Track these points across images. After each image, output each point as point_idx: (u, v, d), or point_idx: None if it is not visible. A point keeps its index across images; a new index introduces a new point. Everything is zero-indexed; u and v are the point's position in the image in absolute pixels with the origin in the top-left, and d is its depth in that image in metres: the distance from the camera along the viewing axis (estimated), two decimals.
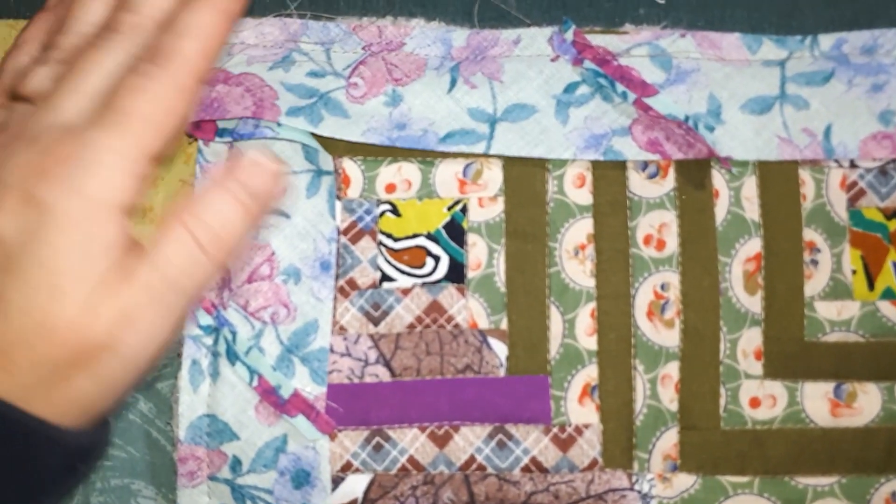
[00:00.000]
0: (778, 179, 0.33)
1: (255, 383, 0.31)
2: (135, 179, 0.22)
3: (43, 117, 0.23)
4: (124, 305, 0.22)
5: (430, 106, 0.34)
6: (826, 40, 0.34)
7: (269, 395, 0.31)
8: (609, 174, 0.34)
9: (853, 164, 0.33)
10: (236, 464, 0.31)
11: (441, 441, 0.32)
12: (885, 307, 0.32)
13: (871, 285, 0.33)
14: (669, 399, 0.32)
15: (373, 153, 0.34)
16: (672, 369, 0.32)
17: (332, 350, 0.32)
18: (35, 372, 0.22)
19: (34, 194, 0.21)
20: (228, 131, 0.33)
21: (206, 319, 0.32)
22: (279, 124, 0.33)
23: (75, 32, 0.24)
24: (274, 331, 0.32)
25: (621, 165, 0.34)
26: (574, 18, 0.35)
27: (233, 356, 0.32)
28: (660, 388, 0.32)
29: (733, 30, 0.35)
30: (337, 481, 0.31)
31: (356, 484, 0.31)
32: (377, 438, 0.32)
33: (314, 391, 0.32)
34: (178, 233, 0.23)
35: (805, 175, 0.33)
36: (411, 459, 0.32)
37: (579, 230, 0.33)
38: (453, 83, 0.34)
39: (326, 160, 0.33)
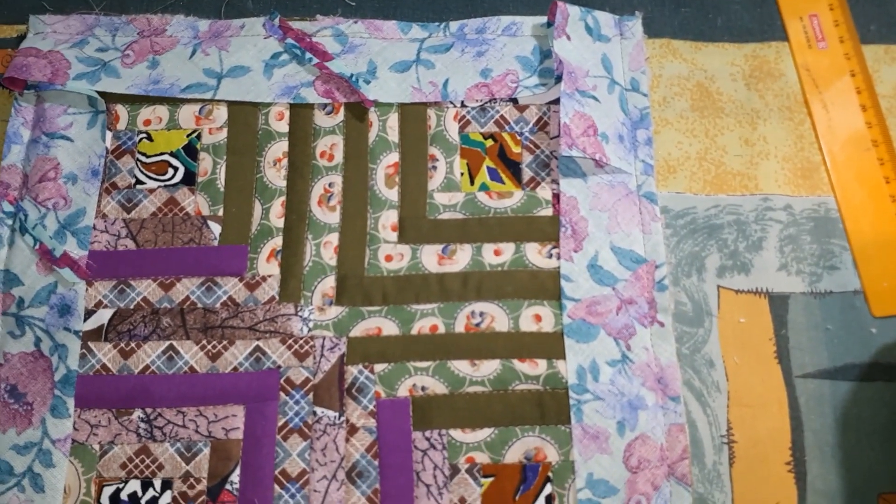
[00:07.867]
0: (412, 115, 0.49)
1: (36, 247, 0.45)
2: None
3: None
4: None
5: (177, 67, 0.49)
6: (454, 25, 0.51)
7: (46, 254, 0.45)
8: (300, 111, 0.49)
9: (463, 105, 0.49)
10: (20, 302, 0.45)
11: (167, 287, 0.46)
12: (481, 196, 0.47)
13: (472, 182, 0.48)
14: (329, 257, 0.46)
15: (137, 100, 0.49)
16: (333, 238, 0.47)
17: (94, 228, 0.46)
18: None
19: None
20: (34, 85, 0.48)
21: (9, 207, 0.46)
22: (64, 85, 0.48)
23: None
24: (54, 214, 0.46)
25: (309, 106, 0.49)
26: (283, 11, 0.51)
27: (23, 230, 0.45)
28: (322, 250, 0.46)
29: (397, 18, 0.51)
30: (90, 313, 0.45)
31: (103, 315, 0.45)
32: (121, 286, 0.46)
33: (79, 254, 0.46)
34: None
35: (430, 112, 0.49)
36: (144, 299, 0.45)
37: (278, 149, 0.48)
38: (194, 52, 0.49)
39: (102, 105, 0.48)
